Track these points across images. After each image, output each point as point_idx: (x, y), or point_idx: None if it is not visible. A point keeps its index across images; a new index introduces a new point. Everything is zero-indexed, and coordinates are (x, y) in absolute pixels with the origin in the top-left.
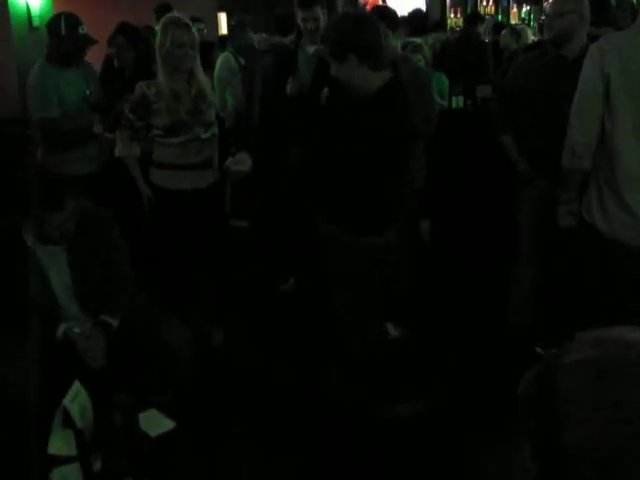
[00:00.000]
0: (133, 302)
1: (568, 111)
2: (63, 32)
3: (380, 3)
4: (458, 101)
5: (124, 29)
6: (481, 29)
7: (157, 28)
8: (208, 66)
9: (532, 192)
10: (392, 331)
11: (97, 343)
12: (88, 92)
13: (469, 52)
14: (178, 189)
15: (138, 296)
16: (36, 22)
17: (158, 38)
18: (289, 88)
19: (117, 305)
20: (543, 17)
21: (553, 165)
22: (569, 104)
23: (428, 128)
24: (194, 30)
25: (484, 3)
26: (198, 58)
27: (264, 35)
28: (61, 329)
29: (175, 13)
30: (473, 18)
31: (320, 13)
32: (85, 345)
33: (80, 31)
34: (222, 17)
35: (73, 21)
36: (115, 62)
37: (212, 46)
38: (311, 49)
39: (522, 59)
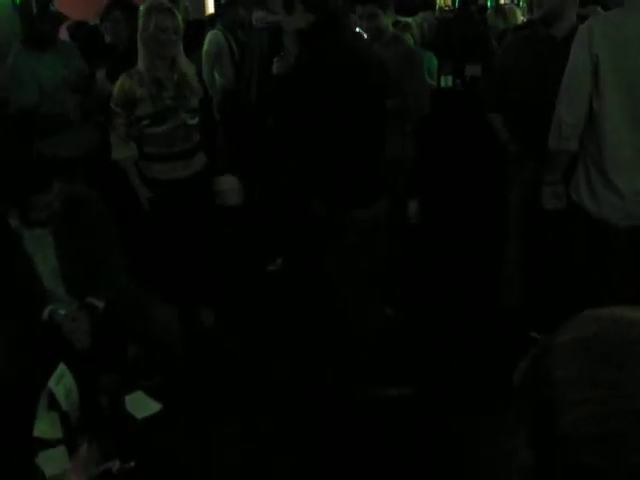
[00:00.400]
0: (120, 284)
1: (556, 90)
2: (34, 11)
3: None
4: (447, 80)
5: (120, 3)
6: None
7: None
8: (199, 45)
9: (521, 171)
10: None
11: (82, 325)
12: (66, 73)
13: (467, 30)
14: (170, 179)
15: (125, 278)
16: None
17: (140, 22)
18: (275, 67)
19: (103, 287)
20: None
21: (541, 144)
22: (557, 83)
23: (419, 108)
24: (179, 19)
25: None
26: (181, 44)
27: (261, 12)
28: (46, 311)
29: None
30: None
31: None
32: (70, 327)
33: (51, 8)
34: None
35: (45, 1)
36: (107, 37)
37: (202, 24)
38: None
39: (511, 38)
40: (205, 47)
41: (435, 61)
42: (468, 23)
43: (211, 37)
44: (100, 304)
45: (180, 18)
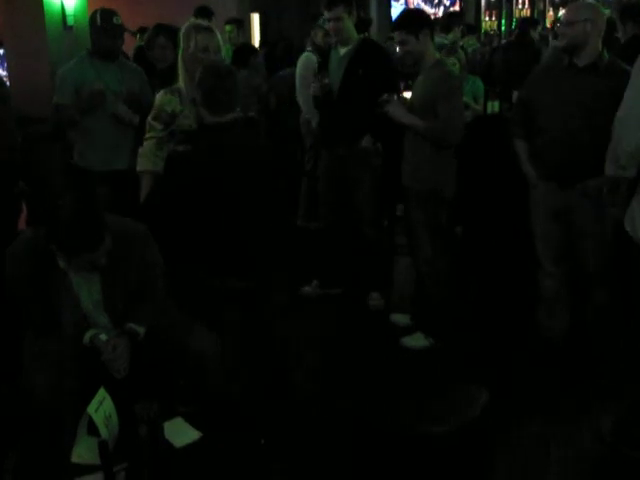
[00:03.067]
0: (161, 310)
1: (575, 116)
2: (99, 23)
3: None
4: (494, 106)
5: (162, 29)
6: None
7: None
8: (243, 68)
9: (539, 196)
10: (401, 320)
11: (122, 354)
12: (120, 90)
13: (520, 55)
14: None
15: (167, 304)
16: (70, 21)
17: (181, 43)
18: (312, 88)
19: (145, 313)
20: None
21: (560, 169)
22: (574, 110)
23: (452, 133)
24: (227, 30)
25: (519, 6)
26: None
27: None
28: (88, 335)
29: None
30: (528, 22)
31: (343, 13)
32: (110, 356)
33: (115, 21)
34: (255, 18)
35: (108, 12)
36: (157, 64)
37: (254, 50)
38: (343, 50)
39: (537, 68)
40: (298, 71)
41: (481, 85)
42: (524, 49)
43: (304, 60)
44: (141, 330)
45: (220, 38)
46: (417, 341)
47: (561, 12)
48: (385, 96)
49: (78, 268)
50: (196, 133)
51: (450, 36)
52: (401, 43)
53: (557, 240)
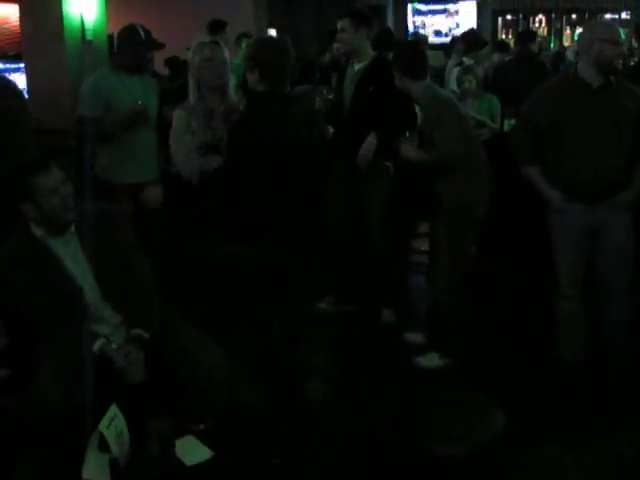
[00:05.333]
0: (162, 317)
1: (607, 136)
2: (143, 36)
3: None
4: (510, 124)
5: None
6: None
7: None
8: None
9: (566, 219)
10: (415, 339)
11: (137, 359)
12: (140, 102)
13: (525, 72)
14: None
15: (167, 313)
16: (89, 35)
17: (189, 59)
18: (317, 103)
19: (147, 318)
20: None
21: (594, 190)
22: (605, 129)
23: (452, 158)
24: (226, 52)
25: (537, 25)
26: (229, 76)
27: None
28: (97, 345)
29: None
30: (526, 36)
31: (349, 26)
32: (124, 363)
33: (153, 37)
34: (272, 33)
35: (146, 29)
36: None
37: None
38: (357, 66)
39: (541, 88)
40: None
41: (498, 104)
42: (528, 64)
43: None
44: (146, 335)
45: (227, 51)
46: (431, 361)
47: (578, 30)
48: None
49: (54, 221)
50: (256, 101)
51: (483, 52)
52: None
53: (581, 262)
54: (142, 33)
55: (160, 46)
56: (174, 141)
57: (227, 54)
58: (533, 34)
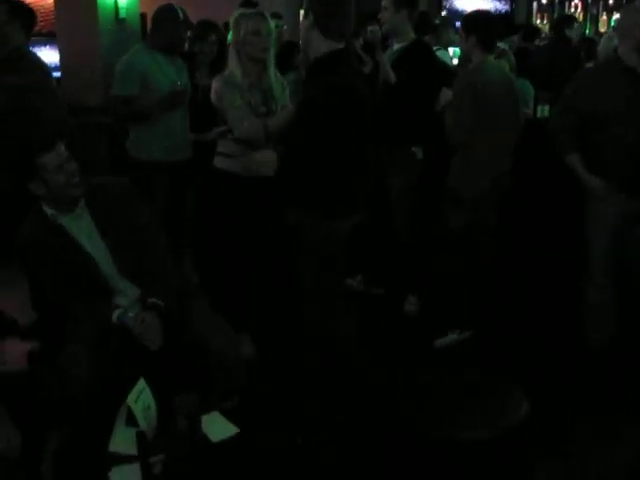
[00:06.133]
0: (176, 290)
1: None
2: (181, 17)
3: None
4: (544, 110)
5: (212, 27)
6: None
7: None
8: (289, 68)
9: (606, 208)
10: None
11: (153, 324)
12: (179, 83)
13: (559, 58)
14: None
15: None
16: (122, 14)
17: (232, 31)
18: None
19: (163, 289)
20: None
21: (629, 178)
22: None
23: (449, 134)
24: (272, 24)
25: (572, 10)
26: (272, 52)
27: None
28: (115, 314)
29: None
30: (563, 21)
31: (390, 4)
32: (141, 328)
33: (188, 18)
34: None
35: (184, 9)
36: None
37: (294, 47)
38: (396, 46)
39: (582, 74)
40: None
41: (531, 89)
42: (562, 50)
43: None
44: (162, 303)
45: (273, 24)
46: (448, 339)
47: (615, 16)
48: None
49: (58, 194)
50: (327, 61)
51: (514, 38)
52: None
53: (616, 251)
54: (181, 13)
55: (192, 26)
56: (231, 113)
57: (272, 26)
58: (571, 19)
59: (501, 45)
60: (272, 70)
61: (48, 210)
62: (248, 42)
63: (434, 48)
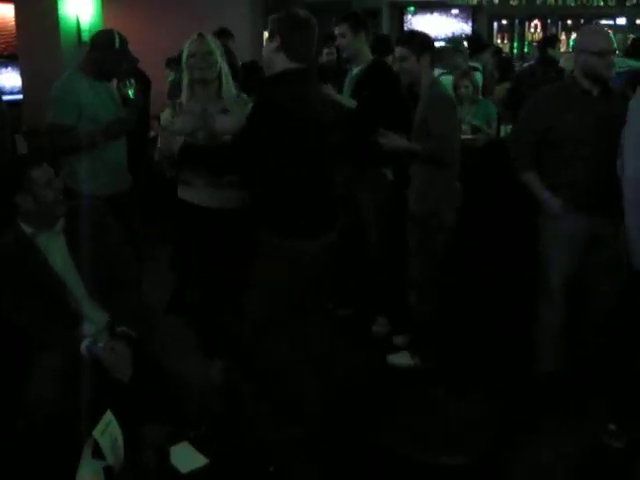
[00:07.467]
0: (145, 316)
1: (607, 143)
2: (117, 46)
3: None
4: (507, 130)
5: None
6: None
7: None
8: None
9: (565, 228)
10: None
11: (123, 355)
12: (115, 109)
13: (549, 79)
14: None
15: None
16: (85, 37)
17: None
18: None
19: (134, 317)
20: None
21: (587, 198)
22: (606, 136)
23: (450, 153)
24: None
25: (532, 30)
26: (221, 71)
27: None
28: (84, 344)
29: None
30: (547, 41)
31: (347, 30)
32: (112, 359)
33: (128, 48)
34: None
35: (124, 38)
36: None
37: (257, 67)
38: (355, 70)
39: (537, 94)
40: None
41: (494, 109)
42: (546, 69)
43: None
44: (132, 333)
45: (213, 43)
46: (402, 359)
47: (573, 36)
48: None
49: (45, 206)
50: (278, 78)
51: (485, 56)
52: (401, 59)
53: (571, 272)
54: (117, 42)
55: (133, 60)
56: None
57: (214, 46)
58: (554, 39)
59: (471, 63)
60: (227, 86)
61: (26, 228)
62: (189, 65)
63: (441, 72)
